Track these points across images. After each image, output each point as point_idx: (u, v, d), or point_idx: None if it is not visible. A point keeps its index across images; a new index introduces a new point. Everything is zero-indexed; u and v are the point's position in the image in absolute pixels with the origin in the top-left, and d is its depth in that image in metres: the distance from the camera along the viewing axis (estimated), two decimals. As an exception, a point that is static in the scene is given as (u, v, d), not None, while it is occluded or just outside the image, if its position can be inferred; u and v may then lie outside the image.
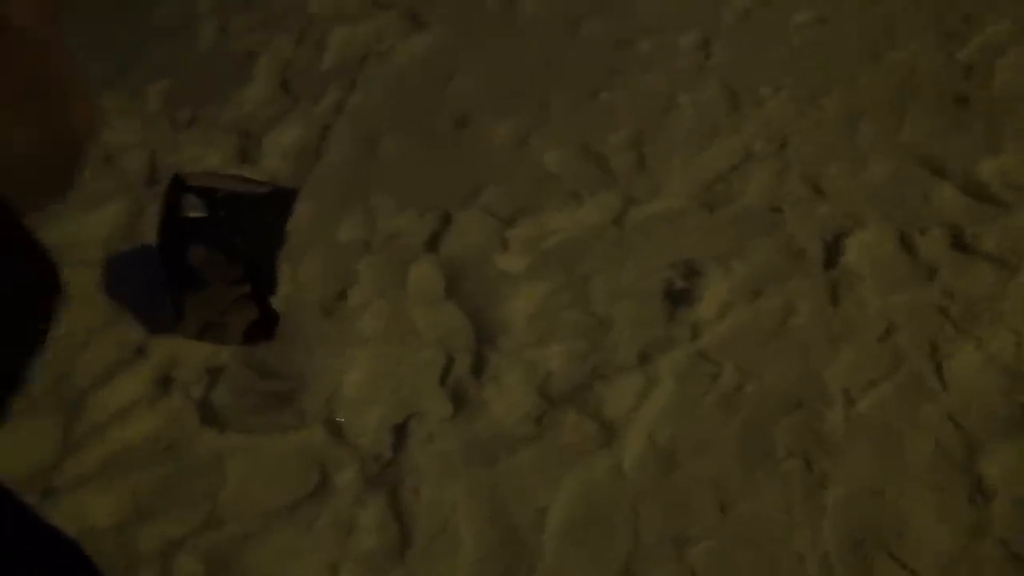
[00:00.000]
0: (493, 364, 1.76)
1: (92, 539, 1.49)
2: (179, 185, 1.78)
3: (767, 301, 1.80)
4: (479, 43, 2.73)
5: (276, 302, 1.86)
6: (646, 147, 2.26)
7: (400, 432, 1.67)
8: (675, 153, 2.23)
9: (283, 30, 2.95)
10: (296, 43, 2.88)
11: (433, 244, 2.04)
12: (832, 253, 1.90)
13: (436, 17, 2.88)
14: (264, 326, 1.83)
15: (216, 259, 1.77)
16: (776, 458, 1.50)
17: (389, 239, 2.08)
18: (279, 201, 1.88)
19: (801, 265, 1.87)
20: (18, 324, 0.35)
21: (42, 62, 0.37)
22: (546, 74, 2.55)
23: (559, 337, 1.81)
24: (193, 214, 1.78)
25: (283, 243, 1.88)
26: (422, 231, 2.09)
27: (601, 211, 2.09)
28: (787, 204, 2.02)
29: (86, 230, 2.13)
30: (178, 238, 1.77)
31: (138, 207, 2.22)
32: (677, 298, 1.86)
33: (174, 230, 1.77)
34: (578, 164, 2.23)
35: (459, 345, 1.82)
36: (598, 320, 1.84)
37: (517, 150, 2.29)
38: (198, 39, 3.01)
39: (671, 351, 1.75)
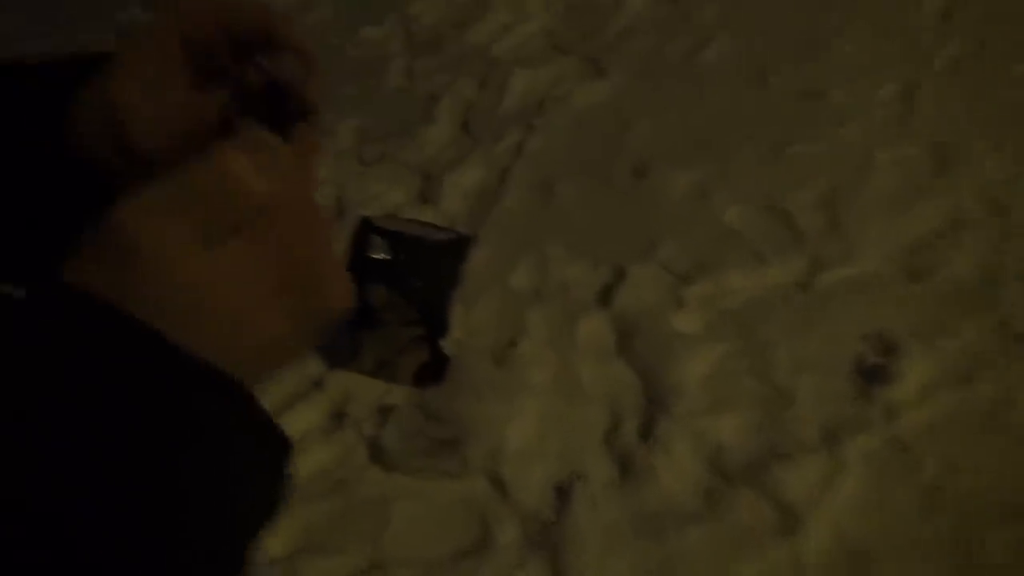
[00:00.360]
0: (662, 429, 1.69)
1: (268, 567, 1.55)
2: (367, 227, 1.84)
3: (979, 388, 1.61)
4: (660, 91, 2.69)
5: (447, 345, 1.87)
6: (838, 206, 2.12)
7: (563, 492, 1.62)
8: (871, 214, 2.07)
9: (466, 73, 3.04)
10: (479, 86, 2.95)
11: (605, 297, 2.00)
12: (1057, 338, 1.69)
13: (616, 64, 2.86)
14: (435, 369, 1.85)
15: (395, 300, 1.81)
16: None
17: (561, 289, 2.06)
18: (458, 247, 1.91)
19: (1020, 350, 1.66)
20: (249, 505, 0.34)
21: (300, 244, 0.36)
22: (730, 125, 2.46)
23: (735, 406, 1.71)
24: (377, 255, 1.83)
25: (458, 287, 1.90)
26: (595, 283, 2.05)
27: (786, 273, 1.97)
28: (1005, 278, 1.82)
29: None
30: (361, 277, 1.83)
31: (324, 241, 2.33)
32: (870, 375, 1.71)
33: (358, 269, 1.83)
34: (762, 221, 2.12)
35: (627, 405, 1.76)
36: (778, 391, 1.72)
37: (697, 203, 2.21)
38: (387, 78, 3.15)
39: (862, 433, 1.61)
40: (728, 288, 1.94)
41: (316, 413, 1.83)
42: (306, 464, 1.73)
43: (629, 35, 3.01)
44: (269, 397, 1.87)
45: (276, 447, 0.35)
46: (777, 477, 1.55)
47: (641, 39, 2.97)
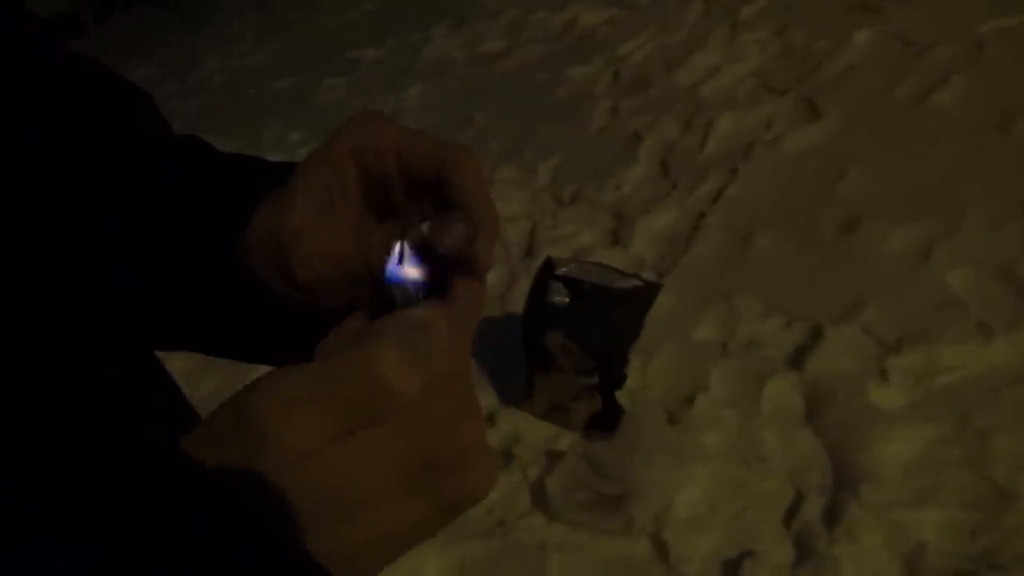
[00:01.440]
0: (851, 516, 1.52)
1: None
2: (550, 270, 1.84)
3: None
4: (882, 136, 2.47)
5: (621, 396, 1.82)
6: (1092, 278, 1.81)
7: (731, 569, 1.51)
8: None
9: (671, 113, 2.98)
10: (683, 127, 2.88)
11: (798, 359, 1.85)
12: None
13: (836, 105, 2.67)
14: (607, 419, 1.80)
15: (571, 347, 1.79)
16: None
17: (749, 345, 1.93)
18: (641, 296, 1.85)
19: None
20: None
21: (446, 431, 0.34)
22: (962, 178, 2.20)
23: (941, 502, 1.50)
24: (557, 299, 1.82)
25: (638, 337, 1.84)
26: (787, 342, 1.90)
27: (1018, 351, 1.71)
28: None
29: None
30: (540, 321, 1.83)
31: (511, 277, 2.37)
32: (1119, 484, 1.44)
33: (537, 312, 1.83)
34: (993, 289, 1.86)
35: (813, 483, 1.61)
36: (998, 490, 1.49)
37: (915, 264, 1.99)
38: (591, 119, 3.17)
39: (1102, 554, 1.35)
40: (942, 363, 1.72)
41: (485, 450, 1.84)
42: (470, 501, 1.75)
43: (850, 75, 2.80)
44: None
45: None
46: (987, 591, 1.34)
47: (864, 80, 2.75)
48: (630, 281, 1.86)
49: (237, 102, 4.79)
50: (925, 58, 2.72)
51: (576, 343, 1.76)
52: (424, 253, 0.39)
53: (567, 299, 1.78)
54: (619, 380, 1.81)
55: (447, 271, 0.40)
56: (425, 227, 0.39)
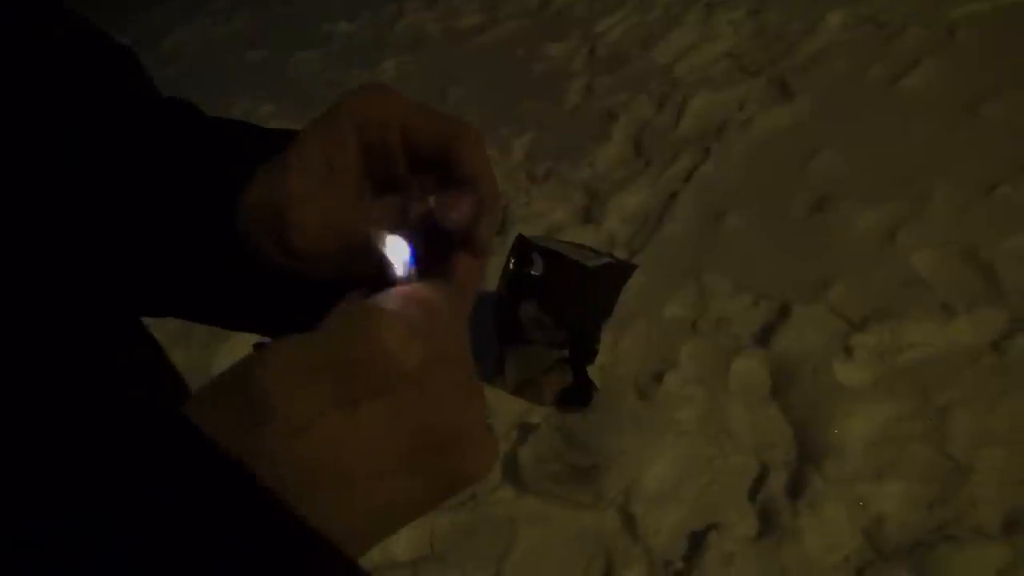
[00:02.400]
0: (814, 489, 1.55)
1: (391, 569, 1.58)
2: (525, 245, 1.84)
3: None
4: (853, 118, 2.49)
5: (593, 372, 1.84)
6: (1051, 259, 1.86)
7: (697, 541, 1.54)
8: (1093, 273, 1.80)
9: (645, 92, 2.98)
10: (657, 106, 2.89)
11: (765, 337, 1.88)
12: None
13: (808, 87, 2.69)
14: (579, 394, 1.82)
15: (544, 321, 1.80)
16: None
17: (718, 323, 1.96)
18: (616, 274, 1.86)
19: None
20: None
21: (446, 407, 0.34)
22: (930, 159, 2.23)
23: (901, 475, 1.54)
24: (534, 271, 1.82)
25: (610, 315, 1.86)
26: (755, 320, 1.93)
27: (978, 330, 1.75)
28: None
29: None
30: (514, 291, 1.83)
31: (485, 254, 2.37)
32: (1071, 458, 1.48)
33: (512, 283, 1.84)
34: (956, 270, 1.90)
35: (777, 458, 1.64)
36: (955, 465, 1.53)
37: (881, 244, 2.02)
38: (566, 95, 3.16)
39: (1053, 526, 1.39)
40: (906, 341, 1.76)
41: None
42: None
43: (823, 58, 2.82)
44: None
45: None
46: (943, 562, 1.38)
47: (836, 62, 2.77)
48: (605, 259, 1.87)
49: (208, 74, 4.70)
50: (896, 41, 2.75)
51: (549, 315, 1.77)
52: (427, 228, 0.39)
53: (543, 271, 1.79)
54: (591, 356, 1.83)
55: (447, 247, 0.40)
56: (431, 201, 0.39)
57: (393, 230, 0.38)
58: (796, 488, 1.57)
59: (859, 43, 2.83)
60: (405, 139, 0.41)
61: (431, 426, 0.33)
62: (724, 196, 2.36)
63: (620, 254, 2.12)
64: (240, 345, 2.01)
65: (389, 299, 0.34)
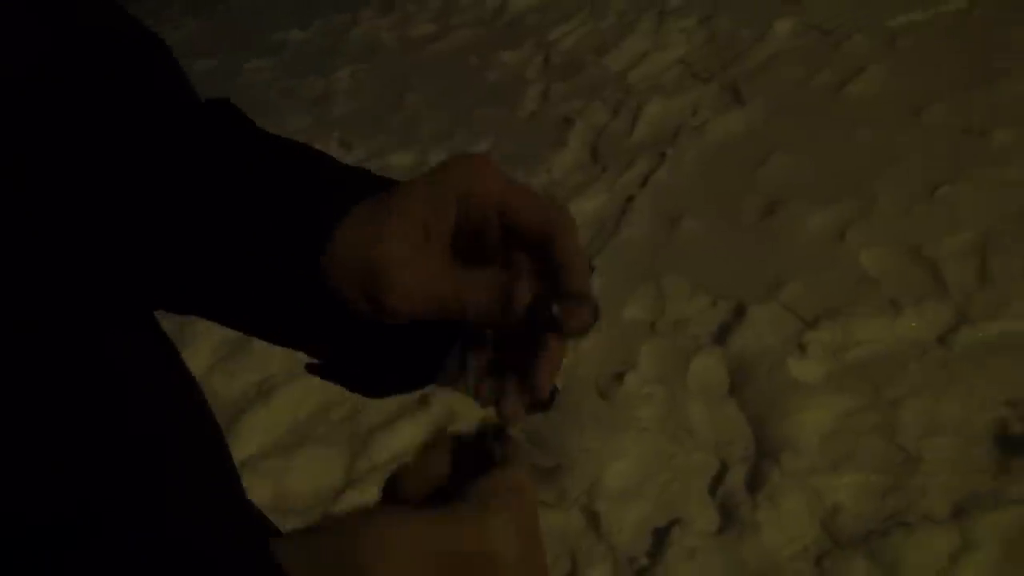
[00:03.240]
0: (772, 482, 1.59)
1: None
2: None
3: None
4: (801, 124, 2.57)
5: (554, 373, 1.85)
6: (991, 255, 1.93)
7: (660, 537, 1.56)
8: (1030, 268, 1.88)
9: (600, 98, 3.02)
10: (612, 112, 2.93)
11: (722, 336, 1.92)
12: None
13: (756, 95, 2.76)
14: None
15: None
16: None
17: (676, 324, 1.99)
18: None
19: None
20: None
21: None
22: (875, 162, 2.31)
23: (855, 466, 1.59)
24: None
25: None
26: (712, 320, 1.97)
27: (925, 325, 1.82)
28: None
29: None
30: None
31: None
32: (1013, 445, 1.54)
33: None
34: (902, 267, 1.97)
35: (736, 453, 1.67)
36: (906, 455, 1.58)
37: (831, 244, 2.08)
38: (522, 103, 3.19)
39: (997, 510, 1.45)
40: (856, 337, 1.81)
41: (419, 431, 1.85)
42: (405, 479, 1.76)
43: (773, 64, 2.90)
44: (378, 408, 1.92)
45: None
46: (897, 548, 1.42)
47: (785, 69, 2.85)
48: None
49: (157, 82, 4.62)
50: (842, 49, 2.84)
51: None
52: (528, 311, 0.41)
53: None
54: (551, 358, 1.84)
55: (533, 330, 0.42)
56: (555, 309, 0.40)
57: (488, 307, 0.41)
58: (755, 482, 1.61)
59: (807, 50, 2.92)
60: (502, 216, 0.41)
61: None
62: (679, 200, 2.41)
63: (579, 257, 2.14)
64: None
65: (496, 486, 0.37)
